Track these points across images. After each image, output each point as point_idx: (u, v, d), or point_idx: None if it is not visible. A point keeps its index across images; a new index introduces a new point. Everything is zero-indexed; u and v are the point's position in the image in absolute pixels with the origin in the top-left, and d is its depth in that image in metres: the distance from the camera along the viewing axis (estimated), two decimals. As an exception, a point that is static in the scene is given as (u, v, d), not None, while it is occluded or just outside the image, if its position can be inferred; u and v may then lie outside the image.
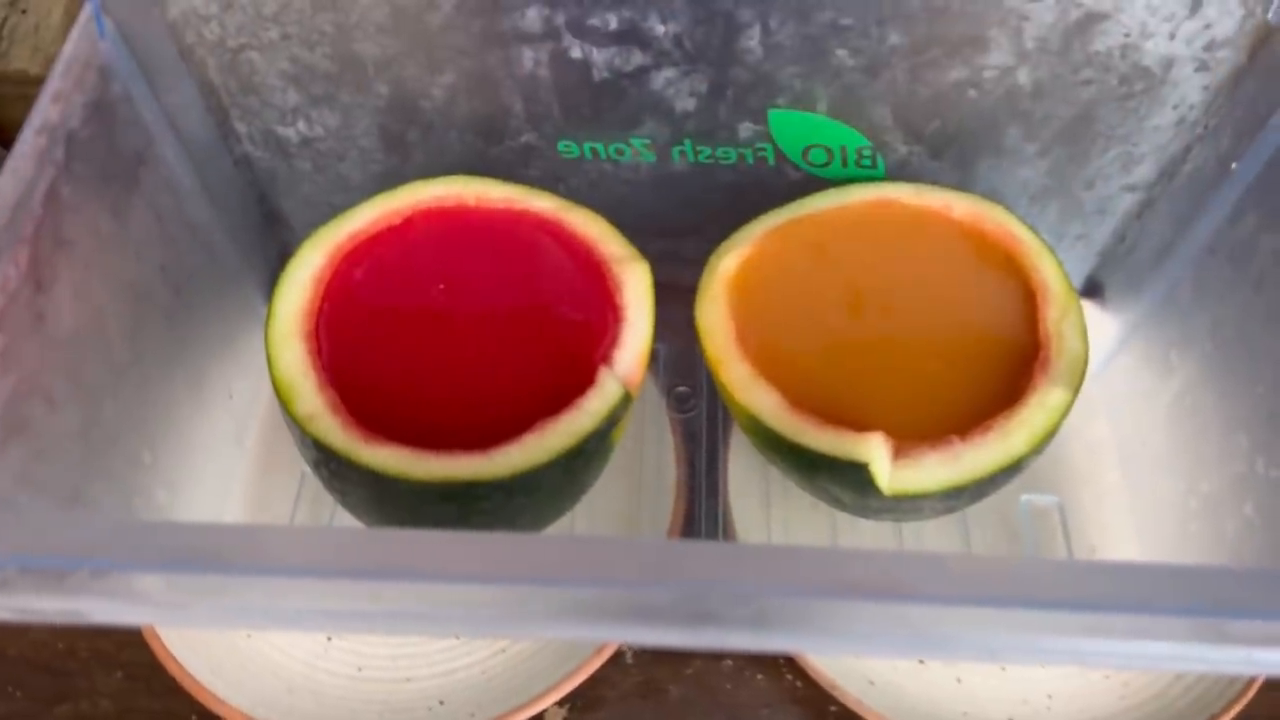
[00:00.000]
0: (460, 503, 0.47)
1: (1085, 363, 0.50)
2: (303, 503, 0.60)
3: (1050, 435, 0.48)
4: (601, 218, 0.57)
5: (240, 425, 0.61)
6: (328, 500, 0.60)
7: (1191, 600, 0.31)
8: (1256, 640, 0.30)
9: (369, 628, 0.32)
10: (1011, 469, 0.48)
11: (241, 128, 0.59)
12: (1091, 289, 0.68)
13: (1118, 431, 0.63)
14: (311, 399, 0.48)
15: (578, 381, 0.50)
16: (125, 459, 0.48)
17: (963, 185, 0.61)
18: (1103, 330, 0.65)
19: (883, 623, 0.32)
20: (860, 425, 0.49)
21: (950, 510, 0.51)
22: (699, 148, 0.60)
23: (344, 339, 0.51)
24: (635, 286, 0.54)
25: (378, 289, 0.53)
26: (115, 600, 0.31)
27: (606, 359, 0.51)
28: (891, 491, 0.47)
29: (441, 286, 0.53)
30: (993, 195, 0.62)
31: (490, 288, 0.54)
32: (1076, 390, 0.49)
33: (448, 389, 0.50)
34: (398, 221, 0.55)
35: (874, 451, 0.46)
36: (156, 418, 0.51)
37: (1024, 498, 0.61)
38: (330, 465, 0.47)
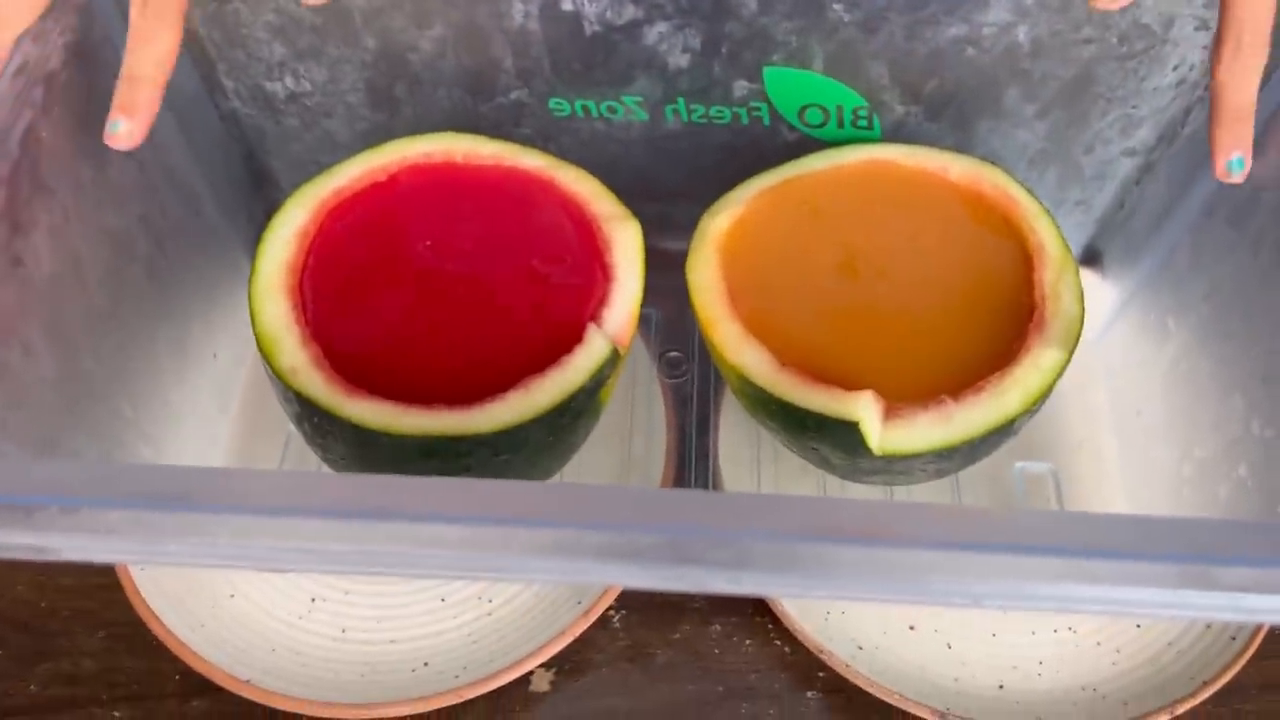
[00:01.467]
0: (443, 459, 0.46)
1: (1080, 324, 0.49)
2: (287, 463, 0.59)
3: (1044, 395, 0.47)
4: (592, 176, 0.56)
5: (224, 388, 0.60)
6: (312, 463, 0.59)
7: (1179, 547, 0.31)
8: (1245, 586, 0.29)
9: (344, 568, 0.31)
10: (1004, 429, 0.47)
11: (229, 83, 0.58)
12: (1090, 257, 0.67)
13: (1114, 400, 0.62)
14: (294, 353, 0.47)
15: (566, 340, 0.49)
16: (106, 411, 0.48)
17: (961, 148, 0.60)
18: (1101, 298, 0.64)
19: (865, 567, 0.31)
20: (852, 385, 0.48)
21: (942, 473, 0.50)
22: (692, 106, 0.59)
23: (328, 295, 0.50)
24: (626, 245, 0.53)
25: (363, 246, 0.52)
26: (84, 537, 0.30)
27: (595, 318, 0.50)
28: (882, 451, 0.46)
29: (428, 244, 0.53)
30: (991, 159, 0.61)
31: (478, 245, 0.53)
32: (1071, 351, 0.48)
33: (433, 346, 0.49)
34: (384, 178, 0.54)
35: (864, 410, 0.46)
36: (138, 373, 0.50)
37: (1018, 465, 0.60)
38: (313, 420, 0.47)
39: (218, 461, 0.58)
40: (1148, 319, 0.59)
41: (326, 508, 0.31)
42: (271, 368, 0.47)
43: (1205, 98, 0.56)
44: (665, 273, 0.56)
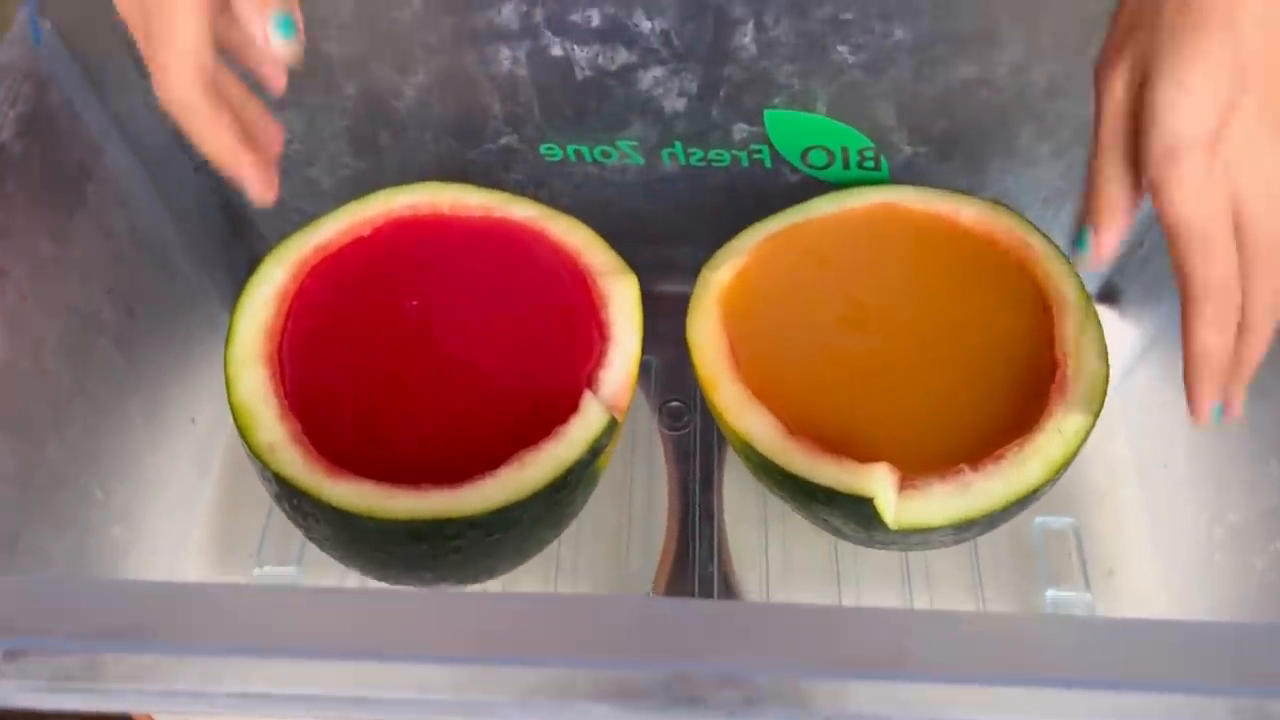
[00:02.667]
0: (432, 542, 0.44)
1: (1105, 382, 0.46)
2: (271, 532, 0.56)
3: (1068, 463, 0.44)
4: (586, 226, 0.53)
5: (203, 451, 0.57)
6: (297, 530, 0.57)
7: (1233, 675, 0.28)
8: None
9: (316, 713, 0.29)
10: (1026, 500, 0.44)
11: (202, 132, 0.55)
12: (1109, 295, 0.64)
13: (1137, 450, 0.59)
14: (273, 428, 0.44)
15: (561, 405, 0.47)
16: (74, 498, 0.45)
17: (972, 187, 0.57)
18: (1121, 340, 0.61)
19: (883, 702, 0.28)
20: (863, 452, 0.45)
21: (960, 541, 0.48)
22: (690, 149, 0.57)
23: (309, 361, 0.47)
24: (622, 301, 0.50)
25: (346, 306, 0.49)
26: (29, 684, 0.28)
27: (591, 381, 0.48)
28: (898, 526, 0.44)
29: (414, 303, 0.50)
30: (1003, 198, 0.58)
31: (467, 303, 0.50)
32: (1096, 414, 0.45)
33: (421, 414, 0.47)
34: (367, 232, 0.52)
35: (878, 484, 0.43)
36: (109, 451, 0.48)
37: (1038, 519, 0.58)
38: (293, 500, 0.44)
39: (198, 530, 0.56)
40: (1173, 366, 0.56)
41: (302, 647, 0.28)
42: (248, 444, 0.44)
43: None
44: (665, 318, 0.53)
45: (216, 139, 0.35)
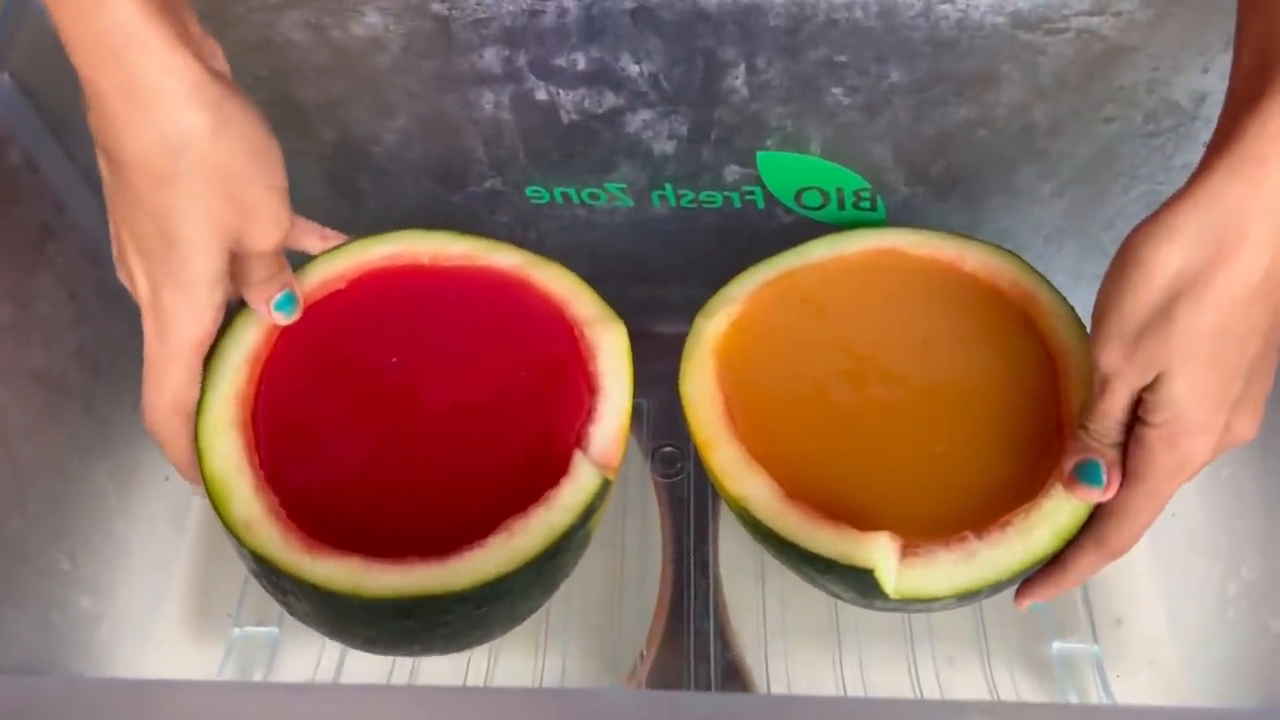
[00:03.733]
0: (420, 618, 0.42)
1: None
2: (249, 592, 0.54)
3: (1075, 531, 0.42)
4: (572, 273, 0.51)
5: (178, 509, 0.55)
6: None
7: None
8: None
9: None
10: (1033, 569, 0.42)
11: (175, 178, 0.53)
12: (1110, 332, 0.62)
13: (1143, 495, 0.57)
14: (248, 503, 0.42)
15: (550, 463, 0.45)
16: (37, 570, 0.43)
17: (970, 227, 0.56)
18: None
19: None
20: (863, 514, 0.43)
21: (963, 605, 0.46)
22: (681, 191, 0.55)
23: (284, 427, 0.45)
24: (611, 351, 0.48)
25: (322, 367, 0.47)
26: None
27: (581, 438, 0.46)
28: (899, 595, 0.42)
29: (394, 360, 0.48)
30: (1003, 236, 0.56)
31: (450, 358, 0.48)
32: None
33: (404, 480, 0.44)
34: (343, 285, 0.49)
35: (879, 555, 0.41)
36: (76, 519, 0.45)
37: (1042, 569, 0.56)
38: (271, 578, 0.42)
39: (172, 594, 0.54)
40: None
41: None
42: (224, 520, 0.42)
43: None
44: (657, 359, 0.51)
45: (178, 458, 0.42)
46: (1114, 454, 0.40)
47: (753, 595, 0.56)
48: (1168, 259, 0.35)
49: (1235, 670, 0.48)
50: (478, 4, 0.45)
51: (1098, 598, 0.56)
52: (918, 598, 0.42)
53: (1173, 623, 0.54)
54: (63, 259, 0.45)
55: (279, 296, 0.43)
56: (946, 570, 0.42)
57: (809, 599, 0.55)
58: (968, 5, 0.44)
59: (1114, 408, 0.39)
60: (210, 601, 0.55)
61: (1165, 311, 0.35)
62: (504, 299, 0.50)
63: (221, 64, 0.38)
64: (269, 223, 0.39)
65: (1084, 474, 0.40)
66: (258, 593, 0.55)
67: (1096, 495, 0.40)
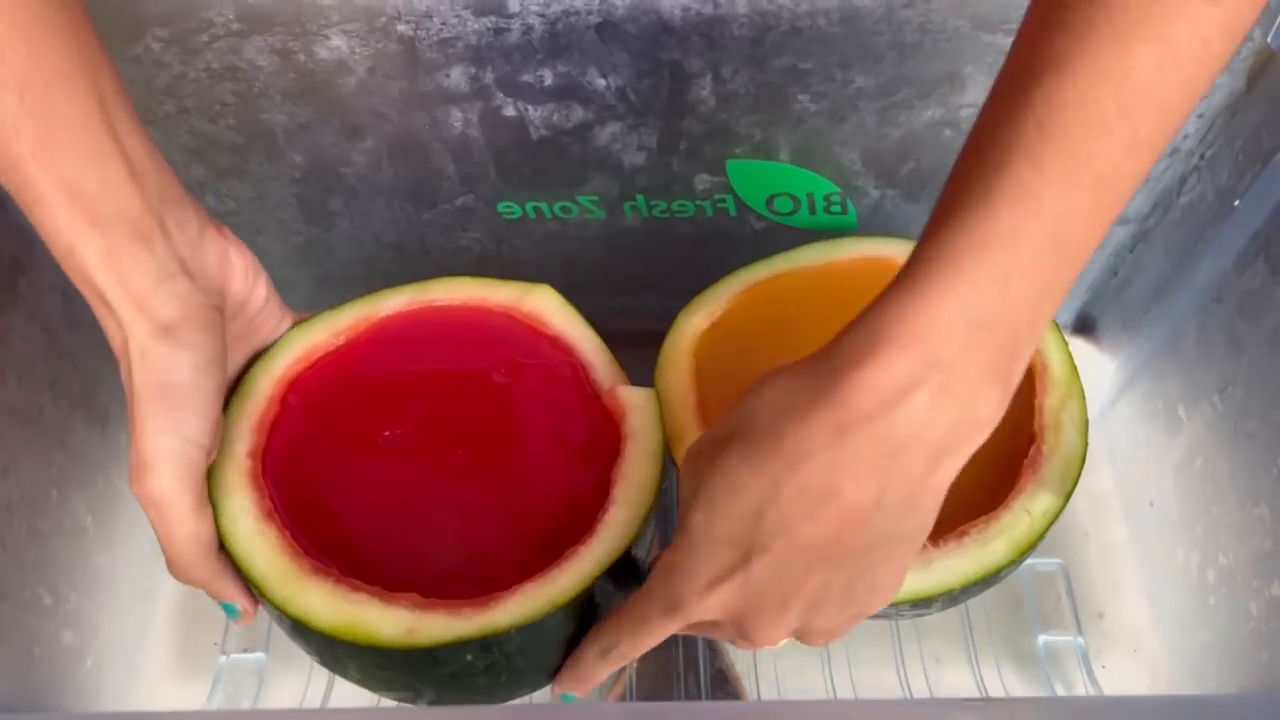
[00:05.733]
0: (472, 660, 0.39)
1: (1081, 462, 0.44)
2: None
3: (1033, 545, 0.43)
4: (584, 324, 0.48)
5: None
6: (263, 618, 0.55)
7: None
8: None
9: None
10: (988, 580, 0.43)
11: (144, 207, 0.53)
12: (1084, 325, 0.63)
13: (1122, 487, 0.58)
14: (294, 579, 0.39)
15: (575, 523, 0.41)
16: (17, 607, 0.42)
17: (941, 227, 0.56)
18: (1100, 371, 0.60)
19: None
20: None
21: (918, 615, 0.46)
22: (653, 202, 0.55)
23: (300, 490, 0.42)
24: (639, 409, 0.45)
25: (336, 421, 0.44)
26: None
27: (608, 483, 0.42)
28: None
29: (409, 415, 0.45)
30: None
31: (468, 408, 0.45)
32: (1068, 496, 0.43)
33: (423, 540, 0.41)
34: (354, 338, 0.46)
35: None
36: (55, 553, 0.45)
37: (1026, 562, 0.56)
38: (332, 650, 0.39)
39: (157, 624, 0.53)
40: (1155, 404, 0.55)
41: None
42: (268, 598, 0.39)
43: (1200, 167, 0.52)
44: (634, 368, 0.51)
45: (221, 596, 0.39)
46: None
47: (739, 601, 0.56)
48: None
49: (1218, 656, 0.49)
50: (443, 24, 0.45)
51: (1081, 590, 0.56)
52: None
53: (1155, 612, 0.54)
54: (33, 294, 0.45)
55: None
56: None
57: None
58: (929, 9, 0.44)
59: (660, 633, 0.36)
60: (196, 630, 0.54)
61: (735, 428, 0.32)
62: (517, 345, 0.47)
63: (192, 237, 0.37)
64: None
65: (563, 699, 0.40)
66: (245, 628, 0.54)
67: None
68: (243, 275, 0.40)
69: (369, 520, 0.41)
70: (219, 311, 0.38)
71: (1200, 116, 0.50)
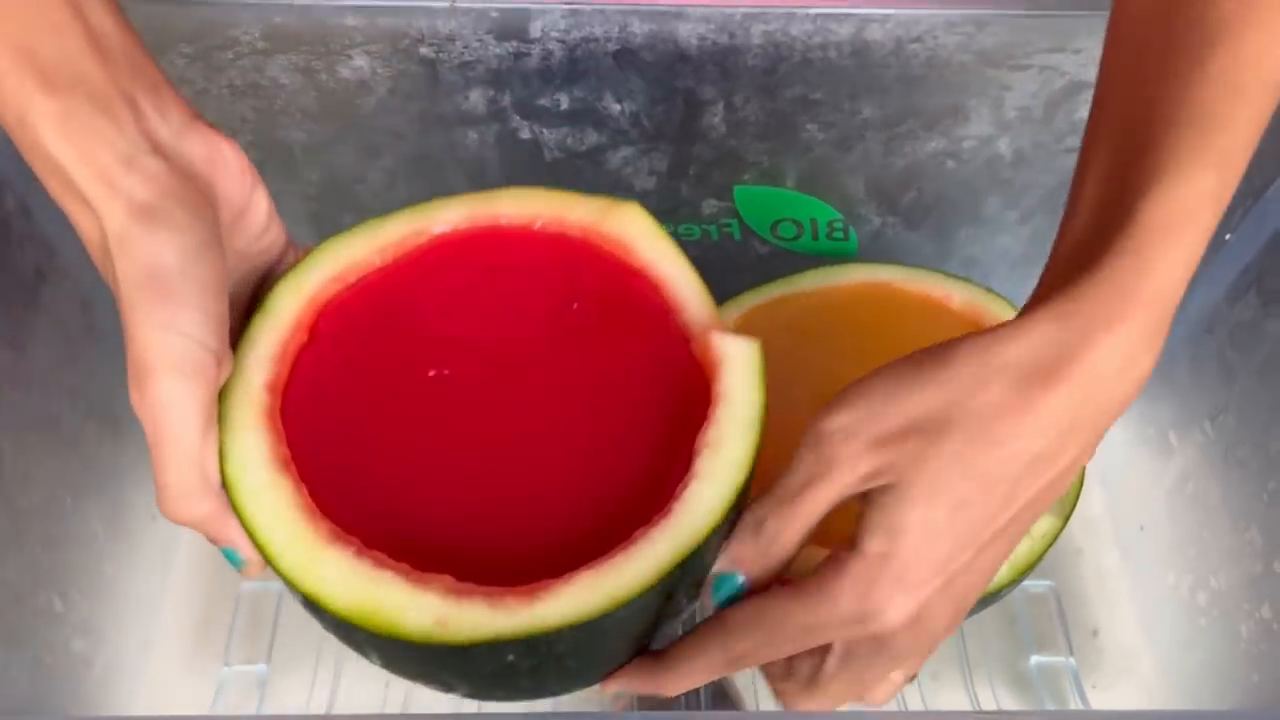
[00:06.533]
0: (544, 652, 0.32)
1: (1080, 485, 0.46)
2: (238, 630, 0.54)
3: (1033, 566, 0.44)
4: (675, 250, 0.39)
5: (166, 549, 0.55)
6: (267, 621, 0.55)
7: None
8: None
9: None
10: (987, 600, 0.44)
11: (159, 220, 0.54)
12: (1074, 353, 0.65)
13: (1113, 511, 0.59)
14: (341, 567, 0.32)
15: (648, 497, 0.34)
16: (31, 612, 0.43)
17: (941, 254, 0.58)
18: (1090, 399, 0.62)
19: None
20: (829, 536, 0.45)
21: None
22: (660, 224, 0.56)
23: (319, 433, 0.35)
24: (737, 363, 0.36)
25: (373, 359, 0.36)
26: None
27: (694, 446, 0.34)
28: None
29: (455, 352, 0.37)
30: (971, 264, 0.58)
31: (526, 349, 0.37)
32: (1066, 518, 0.45)
33: (477, 500, 0.34)
34: (397, 258, 0.38)
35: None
36: (68, 560, 0.45)
37: (1020, 584, 0.57)
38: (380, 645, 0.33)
39: (162, 632, 0.54)
40: (1148, 430, 0.56)
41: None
42: (291, 581, 0.32)
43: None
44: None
45: (223, 540, 0.32)
46: (766, 568, 0.32)
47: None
48: (981, 378, 0.30)
49: (1209, 677, 0.50)
50: (465, 47, 0.46)
51: (1074, 611, 0.57)
52: None
53: (1146, 633, 0.56)
54: (55, 304, 0.45)
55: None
56: None
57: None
58: (936, 44, 0.46)
59: (812, 501, 0.32)
60: (200, 641, 0.55)
61: (945, 420, 0.30)
62: (582, 266, 0.39)
63: (173, 124, 0.31)
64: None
65: (717, 585, 0.33)
66: (247, 630, 0.55)
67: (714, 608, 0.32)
68: (238, 176, 0.33)
69: (403, 477, 0.34)
70: (208, 201, 0.31)
71: (1193, 152, 0.52)
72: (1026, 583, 0.58)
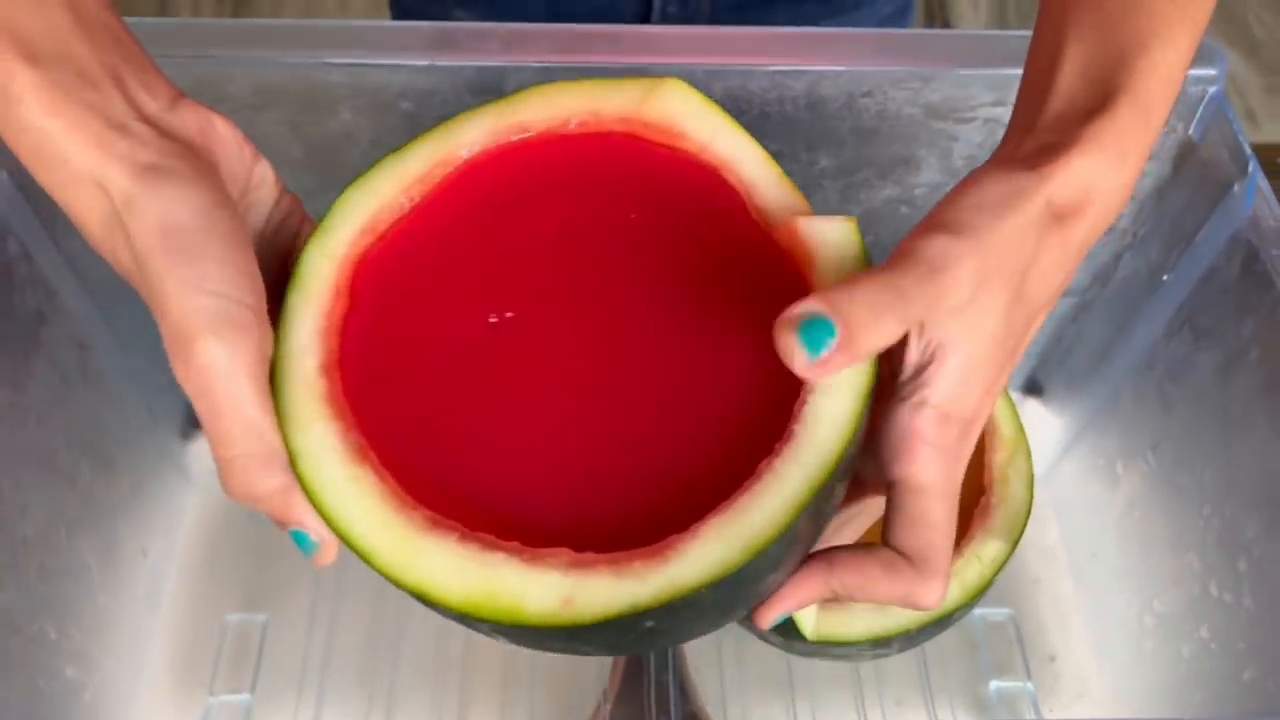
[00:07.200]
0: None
1: (1028, 512, 0.48)
2: (224, 661, 0.56)
3: (985, 589, 0.47)
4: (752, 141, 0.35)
5: (154, 583, 0.57)
6: (252, 652, 0.57)
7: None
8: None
9: None
10: (942, 621, 0.46)
11: (153, 265, 0.57)
12: (1032, 388, 0.67)
13: (1067, 539, 0.62)
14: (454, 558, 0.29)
15: (763, 421, 0.30)
16: (27, 640, 0.45)
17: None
18: (1047, 431, 0.64)
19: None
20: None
21: (880, 657, 0.50)
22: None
23: (387, 410, 0.31)
24: (835, 256, 0.32)
25: (419, 318, 0.32)
26: None
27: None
28: (817, 638, 0.45)
29: (534, 284, 0.32)
30: (929, 304, 0.61)
31: (590, 272, 0.33)
32: (1015, 543, 0.47)
33: (563, 467, 0.31)
34: (417, 200, 0.34)
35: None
36: (63, 592, 0.47)
37: (978, 612, 0.60)
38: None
39: (151, 663, 0.55)
40: (1097, 460, 0.59)
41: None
42: (402, 583, 0.29)
43: (1134, 245, 0.57)
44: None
45: (291, 521, 0.30)
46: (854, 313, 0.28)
47: (711, 647, 0.59)
48: (1018, 227, 0.31)
49: (1158, 697, 0.52)
50: (443, 103, 0.49)
51: (1031, 637, 0.60)
52: (834, 640, 0.46)
53: (1099, 657, 0.58)
54: (54, 344, 0.48)
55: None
56: (863, 618, 0.46)
57: (764, 652, 0.58)
58: (885, 98, 0.49)
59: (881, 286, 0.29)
60: (186, 671, 0.56)
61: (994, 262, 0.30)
62: (632, 165, 0.35)
63: (161, 101, 0.30)
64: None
65: (807, 329, 0.28)
66: (232, 661, 0.57)
67: (803, 364, 0.28)
68: (236, 149, 0.32)
69: (488, 445, 0.30)
70: (211, 168, 0.30)
71: (1133, 199, 0.55)
72: (986, 610, 0.60)
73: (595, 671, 0.57)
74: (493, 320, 0.32)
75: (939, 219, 0.32)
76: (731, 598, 0.30)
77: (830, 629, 0.45)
